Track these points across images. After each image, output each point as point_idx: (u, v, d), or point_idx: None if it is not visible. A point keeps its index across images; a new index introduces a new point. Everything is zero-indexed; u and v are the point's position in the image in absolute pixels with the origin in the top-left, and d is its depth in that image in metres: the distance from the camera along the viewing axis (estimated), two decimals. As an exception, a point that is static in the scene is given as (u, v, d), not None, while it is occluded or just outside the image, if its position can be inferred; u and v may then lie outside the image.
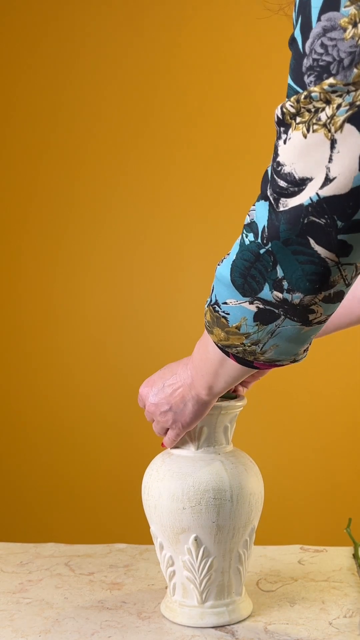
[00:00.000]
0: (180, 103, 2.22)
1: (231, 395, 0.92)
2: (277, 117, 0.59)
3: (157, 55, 2.22)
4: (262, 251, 0.63)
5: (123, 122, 2.24)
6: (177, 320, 2.23)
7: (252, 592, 0.97)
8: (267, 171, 0.62)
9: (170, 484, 0.86)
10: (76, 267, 2.26)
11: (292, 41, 0.58)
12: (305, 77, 0.57)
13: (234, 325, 0.70)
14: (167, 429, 0.87)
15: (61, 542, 1.19)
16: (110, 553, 1.14)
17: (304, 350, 0.73)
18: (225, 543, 0.86)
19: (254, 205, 0.65)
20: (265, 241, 0.63)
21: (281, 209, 0.61)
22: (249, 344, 0.71)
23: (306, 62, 0.57)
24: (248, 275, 0.66)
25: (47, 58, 2.26)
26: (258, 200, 0.64)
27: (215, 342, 0.74)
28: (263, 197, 0.63)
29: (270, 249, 0.63)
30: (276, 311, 0.66)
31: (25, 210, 2.27)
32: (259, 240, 0.63)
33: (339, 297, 0.65)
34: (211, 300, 0.72)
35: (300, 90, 0.58)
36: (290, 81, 0.59)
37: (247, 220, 0.65)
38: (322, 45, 0.56)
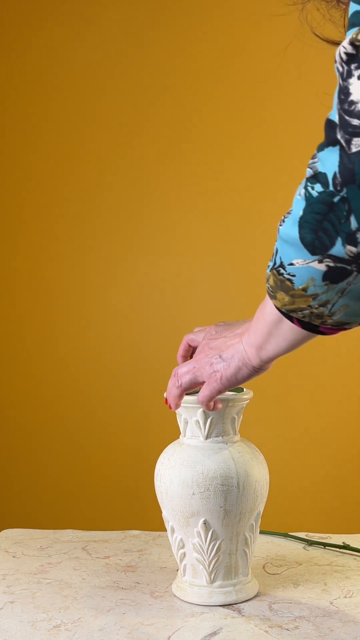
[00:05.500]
0: (179, 101, 2.27)
1: (238, 388, 0.98)
2: (346, 54, 0.57)
3: (156, 42, 2.27)
4: (335, 199, 0.59)
5: (121, 116, 2.28)
6: (178, 316, 2.27)
7: (259, 575, 1.03)
8: (330, 119, 0.60)
9: (181, 471, 0.92)
10: (75, 265, 2.29)
11: None
12: None
13: (300, 287, 0.66)
14: (201, 383, 0.86)
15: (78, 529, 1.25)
16: (125, 539, 1.20)
17: None
18: (232, 527, 0.92)
19: (313, 157, 0.62)
20: (339, 187, 0.59)
21: (353, 150, 0.57)
22: (316, 306, 0.67)
23: None
24: (319, 229, 0.61)
25: (44, 48, 2.28)
26: (321, 150, 0.60)
27: (278, 308, 0.71)
28: (330, 142, 0.59)
29: (345, 195, 0.59)
30: (348, 267, 0.62)
31: (22, 205, 2.31)
32: (331, 188, 0.59)
33: None
34: (274, 264, 0.68)
35: None
36: (351, 14, 0.57)
37: (310, 172, 0.61)
38: None
